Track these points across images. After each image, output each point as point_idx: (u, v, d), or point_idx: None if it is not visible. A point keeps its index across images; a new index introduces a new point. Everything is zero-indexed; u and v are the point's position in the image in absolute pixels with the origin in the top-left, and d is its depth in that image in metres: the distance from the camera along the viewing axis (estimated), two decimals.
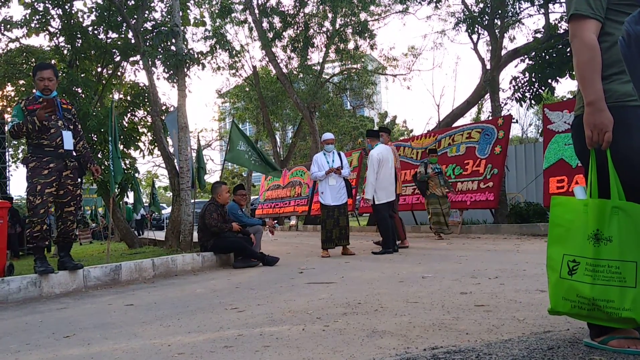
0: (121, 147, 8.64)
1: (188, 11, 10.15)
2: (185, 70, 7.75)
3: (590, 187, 1.82)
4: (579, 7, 1.82)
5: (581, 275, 1.76)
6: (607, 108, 1.75)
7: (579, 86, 1.84)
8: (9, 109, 10.17)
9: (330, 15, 16.57)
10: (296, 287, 4.23)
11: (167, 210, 21.97)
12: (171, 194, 9.22)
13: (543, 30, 11.59)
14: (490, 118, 12.54)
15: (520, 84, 10.99)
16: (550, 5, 11.54)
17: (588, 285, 1.74)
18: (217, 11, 17.47)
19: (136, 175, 12.41)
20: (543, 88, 10.78)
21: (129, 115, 10.13)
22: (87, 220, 20.45)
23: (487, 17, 12.13)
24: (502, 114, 11.73)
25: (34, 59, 9.20)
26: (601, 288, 1.71)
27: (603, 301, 1.71)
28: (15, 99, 9.77)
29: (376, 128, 30.04)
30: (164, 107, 9.64)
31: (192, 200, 7.89)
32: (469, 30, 12.68)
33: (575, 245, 1.80)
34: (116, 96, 10.86)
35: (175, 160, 8.15)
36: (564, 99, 19.24)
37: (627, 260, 1.69)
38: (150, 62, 8.12)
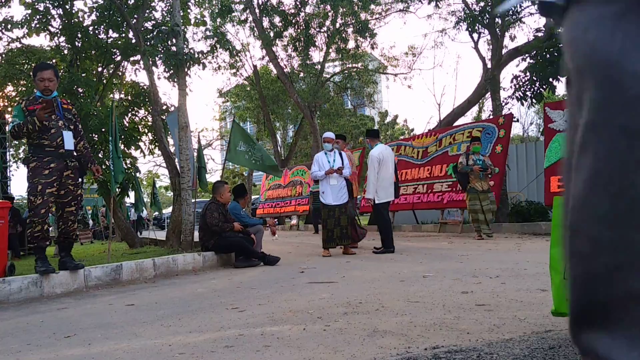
0: (122, 146, 8.64)
1: (188, 11, 10.14)
2: (186, 69, 7.75)
3: None
4: None
5: None
6: None
7: None
8: (9, 109, 10.18)
9: (330, 14, 16.57)
10: (297, 286, 4.23)
11: (168, 210, 21.96)
12: (172, 193, 9.22)
13: (544, 28, 11.57)
14: (491, 117, 12.53)
15: (521, 83, 10.97)
16: None
17: None
18: (217, 10, 17.47)
19: (137, 175, 12.41)
20: (545, 87, 10.76)
21: (129, 115, 10.13)
22: (87, 220, 20.42)
23: (487, 15, 12.12)
24: (503, 113, 11.72)
25: (34, 59, 9.20)
26: None
27: None
28: (16, 99, 9.77)
29: (376, 127, 29.93)
30: (164, 107, 9.64)
31: (193, 200, 7.89)
32: (470, 29, 12.66)
33: None
34: (117, 96, 10.86)
35: (176, 160, 8.15)
36: (565, 98, 19.16)
37: None
38: (150, 62, 8.12)
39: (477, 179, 8.41)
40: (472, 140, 8.94)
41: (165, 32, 7.83)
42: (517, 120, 20.73)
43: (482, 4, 12.39)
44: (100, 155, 9.07)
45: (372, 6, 16.91)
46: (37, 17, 8.72)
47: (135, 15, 8.79)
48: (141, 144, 10.23)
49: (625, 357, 0.66)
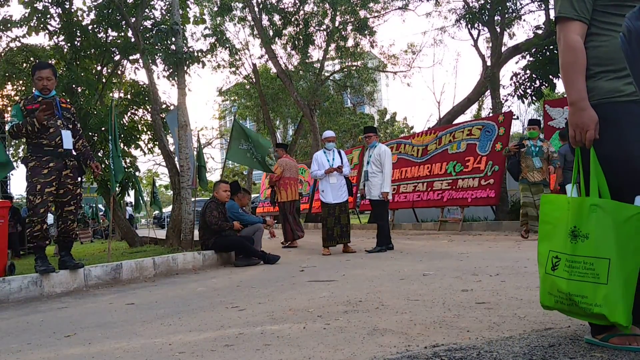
0: (122, 145, 8.64)
1: (188, 9, 10.12)
2: (185, 68, 7.73)
3: (578, 185, 1.87)
4: (563, 10, 1.87)
5: (561, 271, 1.81)
6: (591, 107, 1.79)
7: (564, 86, 1.87)
8: (8, 108, 10.17)
9: (330, 12, 16.54)
10: (297, 285, 4.23)
11: (168, 209, 21.92)
12: (172, 192, 9.22)
13: (544, 26, 11.56)
14: (490, 115, 12.53)
15: (521, 80, 10.96)
16: (551, 1, 11.51)
17: (565, 280, 1.78)
18: (216, 9, 17.44)
19: (137, 173, 12.39)
20: (545, 85, 10.75)
21: (129, 113, 10.13)
22: (88, 219, 20.39)
23: (487, 13, 12.10)
24: (503, 111, 11.72)
25: (34, 58, 9.19)
26: (576, 284, 1.76)
27: (578, 296, 1.75)
28: (15, 98, 9.76)
29: (376, 125, 29.78)
30: (164, 106, 9.63)
31: (193, 199, 7.88)
32: (469, 27, 12.65)
33: (559, 241, 1.84)
34: (116, 95, 10.85)
35: (176, 159, 8.14)
36: (565, 95, 19.20)
37: (601, 257, 1.73)
38: (150, 61, 8.11)
39: (529, 168, 7.40)
40: (530, 123, 7.82)
41: (165, 30, 7.81)
42: (517, 118, 20.72)
43: (481, 1, 12.38)
44: (100, 154, 9.06)
45: (371, 4, 16.88)
46: (36, 16, 8.70)
47: (135, 14, 8.77)
48: (141, 142, 10.22)
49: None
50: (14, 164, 4.52)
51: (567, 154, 7.58)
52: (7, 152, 4.69)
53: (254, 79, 20.90)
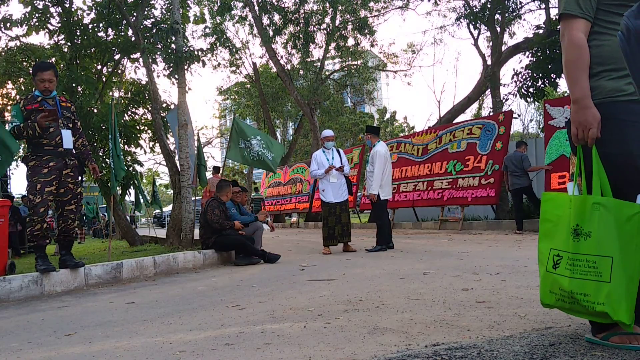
0: (122, 145, 8.63)
1: (188, 8, 10.12)
2: (185, 67, 7.73)
3: (579, 183, 1.87)
4: (568, 7, 1.86)
5: (562, 269, 1.81)
6: (594, 105, 1.79)
7: (567, 84, 1.87)
8: (8, 107, 10.17)
9: (330, 11, 16.54)
10: (297, 284, 4.23)
11: (168, 208, 21.90)
12: (172, 191, 9.21)
13: (544, 25, 11.55)
14: (491, 114, 12.53)
15: (523, 79, 10.95)
16: (551, 0, 11.51)
17: (567, 278, 1.79)
18: (216, 8, 17.43)
19: (138, 170, 12.34)
20: (547, 84, 10.74)
21: (129, 112, 10.13)
22: (85, 219, 20.31)
23: (487, 12, 12.10)
24: (503, 110, 11.71)
25: (34, 57, 9.18)
26: (579, 282, 1.76)
27: (580, 294, 1.75)
28: (16, 97, 9.76)
29: (376, 124, 29.86)
30: (164, 105, 9.63)
31: (193, 198, 7.89)
32: (470, 26, 12.65)
33: (561, 239, 1.85)
34: (116, 94, 10.85)
35: (176, 158, 8.14)
36: (565, 94, 19.20)
37: (604, 255, 1.73)
38: (150, 60, 8.10)
39: None
40: None
41: (165, 29, 7.81)
42: (518, 117, 20.72)
43: (482, 0, 12.37)
44: (100, 153, 9.06)
45: (372, 3, 16.88)
46: (36, 15, 8.69)
47: (135, 13, 8.76)
48: (141, 141, 10.23)
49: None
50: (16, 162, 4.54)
51: (523, 160, 8.61)
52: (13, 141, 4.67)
53: (254, 78, 20.91)
